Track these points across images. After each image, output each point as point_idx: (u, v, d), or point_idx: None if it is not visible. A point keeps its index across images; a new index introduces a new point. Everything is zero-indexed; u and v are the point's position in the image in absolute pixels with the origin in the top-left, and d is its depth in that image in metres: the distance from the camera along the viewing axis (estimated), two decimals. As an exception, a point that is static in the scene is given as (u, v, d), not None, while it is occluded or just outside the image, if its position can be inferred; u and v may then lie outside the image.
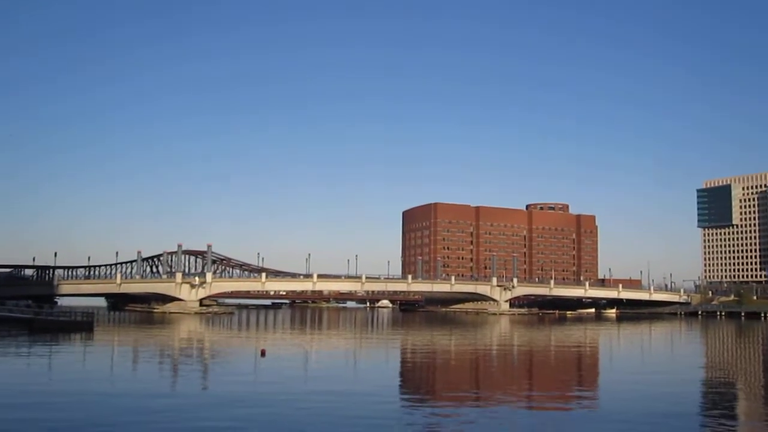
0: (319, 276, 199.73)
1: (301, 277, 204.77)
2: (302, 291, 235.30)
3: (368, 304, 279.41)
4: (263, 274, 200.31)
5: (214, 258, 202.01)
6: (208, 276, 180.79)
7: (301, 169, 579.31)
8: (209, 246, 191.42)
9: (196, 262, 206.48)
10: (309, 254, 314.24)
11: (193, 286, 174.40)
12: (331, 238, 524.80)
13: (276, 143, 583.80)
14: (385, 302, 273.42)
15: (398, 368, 58.21)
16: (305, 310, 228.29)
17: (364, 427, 28.21)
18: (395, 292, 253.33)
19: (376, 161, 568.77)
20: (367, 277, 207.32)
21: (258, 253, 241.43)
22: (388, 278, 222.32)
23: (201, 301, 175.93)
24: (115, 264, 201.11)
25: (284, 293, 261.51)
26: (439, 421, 30.96)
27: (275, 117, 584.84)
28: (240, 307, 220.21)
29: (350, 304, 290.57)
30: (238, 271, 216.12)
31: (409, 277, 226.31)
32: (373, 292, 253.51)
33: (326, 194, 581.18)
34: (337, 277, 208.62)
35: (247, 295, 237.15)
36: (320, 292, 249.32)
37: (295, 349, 73.51)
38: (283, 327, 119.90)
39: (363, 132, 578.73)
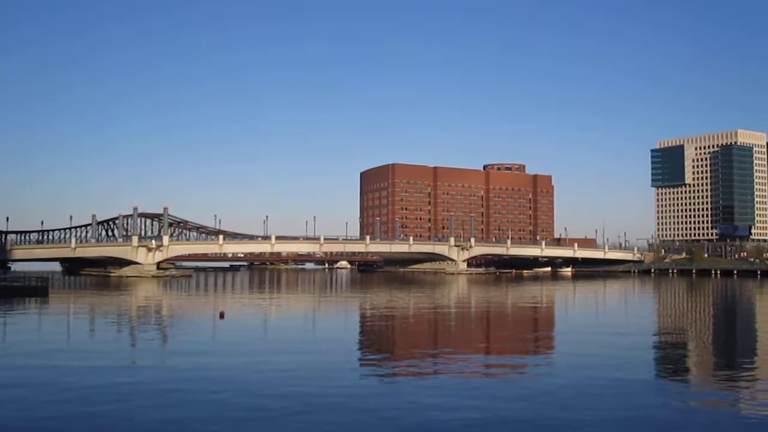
0: (278, 238, 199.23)
1: (259, 239, 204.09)
2: (260, 253, 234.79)
3: (327, 265, 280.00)
4: (221, 237, 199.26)
5: (171, 221, 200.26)
6: (165, 239, 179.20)
7: (259, 132, 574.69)
8: (165, 209, 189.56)
9: (152, 225, 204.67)
10: (267, 216, 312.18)
11: (149, 249, 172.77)
12: (289, 200, 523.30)
13: (233, 105, 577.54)
14: (343, 263, 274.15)
15: (357, 328, 58.60)
16: (264, 272, 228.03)
17: (324, 389, 28.45)
18: (354, 253, 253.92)
19: (334, 123, 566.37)
20: (325, 239, 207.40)
21: (215, 216, 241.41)
22: (346, 239, 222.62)
23: (158, 265, 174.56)
24: (70, 228, 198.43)
25: (242, 255, 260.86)
26: (398, 381, 31.32)
27: (233, 80, 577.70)
28: (198, 269, 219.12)
29: (309, 265, 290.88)
30: (195, 233, 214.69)
31: (368, 237, 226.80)
32: (331, 253, 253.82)
33: (283, 156, 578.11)
34: (295, 238, 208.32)
35: (205, 257, 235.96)
36: (279, 254, 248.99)
37: (255, 311, 73.55)
38: (241, 289, 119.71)
39: (320, 95, 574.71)
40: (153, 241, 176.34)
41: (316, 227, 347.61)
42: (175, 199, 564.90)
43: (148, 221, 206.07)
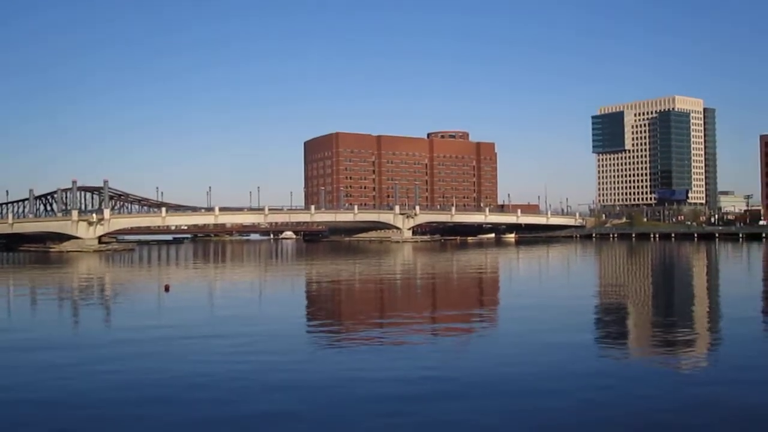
0: (221, 209, 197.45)
1: (203, 210, 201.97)
2: (204, 225, 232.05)
3: (272, 235, 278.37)
4: (163, 209, 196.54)
5: (112, 194, 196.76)
6: (106, 212, 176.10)
7: (200, 102, 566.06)
8: (106, 181, 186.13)
9: (92, 198, 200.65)
10: (210, 187, 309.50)
11: (90, 223, 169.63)
12: (232, 171, 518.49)
13: (173, 74, 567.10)
14: (288, 233, 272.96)
15: (304, 298, 58.67)
16: (208, 244, 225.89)
17: (270, 360, 28.49)
18: (299, 223, 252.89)
19: (277, 92, 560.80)
20: (270, 209, 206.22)
21: (157, 188, 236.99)
22: (291, 209, 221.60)
23: (99, 239, 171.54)
24: (6, 203, 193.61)
25: (186, 228, 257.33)
26: (344, 351, 31.50)
27: (173, 47, 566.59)
28: (141, 243, 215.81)
29: (254, 236, 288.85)
30: (137, 206, 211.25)
31: (312, 207, 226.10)
32: (276, 223, 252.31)
33: (226, 126, 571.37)
34: (239, 209, 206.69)
35: (148, 230, 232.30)
36: (223, 225, 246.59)
37: (200, 283, 73.03)
38: (186, 262, 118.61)
39: (263, 64, 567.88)
40: (94, 215, 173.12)
41: (260, 198, 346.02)
42: (115, 171, 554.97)
43: (88, 195, 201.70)
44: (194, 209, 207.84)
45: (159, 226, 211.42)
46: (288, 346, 31.09)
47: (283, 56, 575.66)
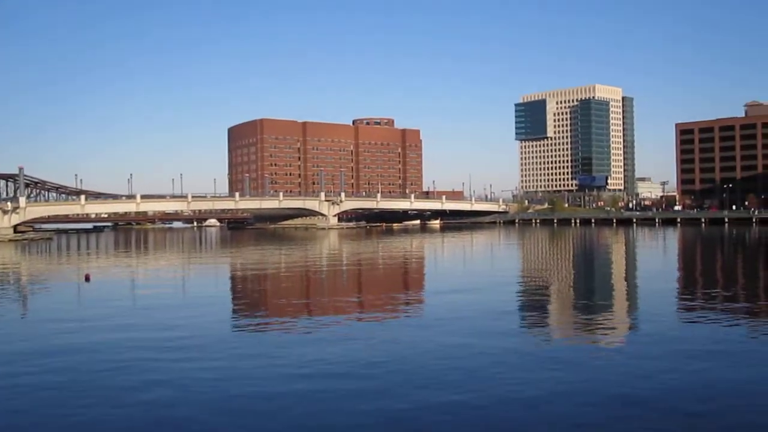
0: (143, 197, 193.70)
1: (124, 198, 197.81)
2: (125, 213, 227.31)
3: (195, 223, 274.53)
4: (82, 197, 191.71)
5: (28, 181, 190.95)
6: (22, 200, 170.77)
7: (120, 87, 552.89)
8: (21, 168, 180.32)
9: (7, 186, 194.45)
10: (131, 174, 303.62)
11: (5, 211, 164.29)
12: (154, 158, 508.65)
13: (94, 56, 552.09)
14: (212, 221, 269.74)
15: (228, 287, 58.07)
16: (129, 232, 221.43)
17: (193, 348, 28.14)
18: (223, 211, 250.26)
19: (199, 78, 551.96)
20: (193, 196, 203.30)
21: (76, 175, 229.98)
22: (215, 197, 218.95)
23: (15, 228, 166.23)
24: None
25: (106, 216, 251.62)
26: (268, 340, 31.31)
27: (95, 38, 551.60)
28: (59, 231, 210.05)
29: (177, 224, 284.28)
30: (54, 194, 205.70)
31: (237, 194, 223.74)
32: (200, 211, 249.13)
33: (148, 113, 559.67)
34: (161, 197, 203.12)
35: (66, 219, 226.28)
36: (145, 213, 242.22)
37: (122, 273, 71.51)
38: (106, 250, 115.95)
39: (186, 51, 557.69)
40: (8, 203, 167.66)
41: (183, 185, 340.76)
42: (30, 159, 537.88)
43: (2, 182, 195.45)
44: (115, 197, 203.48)
45: (78, 215, 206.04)
46: (209, 339, 30.71)
47: (207, 42, 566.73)
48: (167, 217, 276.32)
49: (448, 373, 22.69)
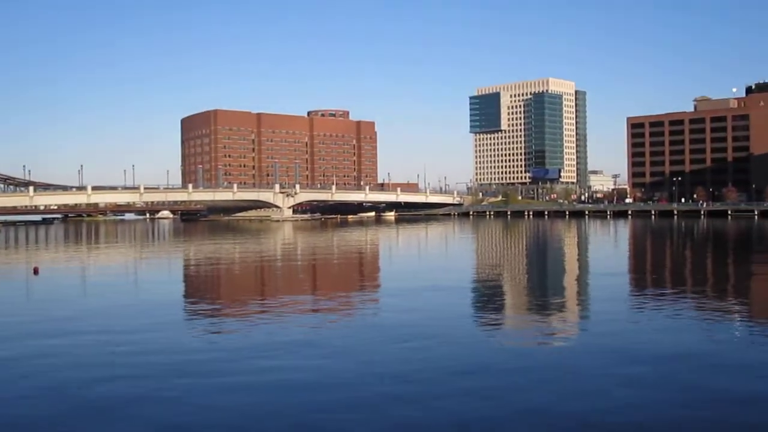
0: (94, 188, 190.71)
1: (74, 189, 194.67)
2: (76, 204, 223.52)
3: (148, 215, 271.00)
4: (31, 188, 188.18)
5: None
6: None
7: (70, 77, 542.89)
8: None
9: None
10: (81, 166, 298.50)
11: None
12: (105, 148, 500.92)
13: (43, 47, 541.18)
14: (165, 213, 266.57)
15: (181, 279, 57.44)
16: (80, 224, 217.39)
17: (145, 342, 27.75)
18: (176, 202, 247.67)
19: (152, 68, 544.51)
20: (145, 188, 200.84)
21: (24, 166, 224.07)
22: (168, 188, 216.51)
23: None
24: None
25: (56, 207, 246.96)
26: (222, 336, 31.03)
27: (44, 19, 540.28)
28: (6, 224, 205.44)
29: (129, 216, 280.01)
30: (2, 185, 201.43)
31: (190, 186, 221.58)
32: (152, 203, 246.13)
33: (99, 103, 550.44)
34: (113, 188, 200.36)
35: (14, 211, 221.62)
36: (96, 205, 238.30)
37: (72, 265, 70.27)
38: (56, 243, 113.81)
39: (139, 40, 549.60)
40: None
41: (135, 176, 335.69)
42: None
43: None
44: (65, 188, 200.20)
45: (26, 206, 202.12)
46: (161, 332, 30.32)
47: (159, 31, 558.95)
48: (119, 209, 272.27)
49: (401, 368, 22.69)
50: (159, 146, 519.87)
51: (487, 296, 42.10)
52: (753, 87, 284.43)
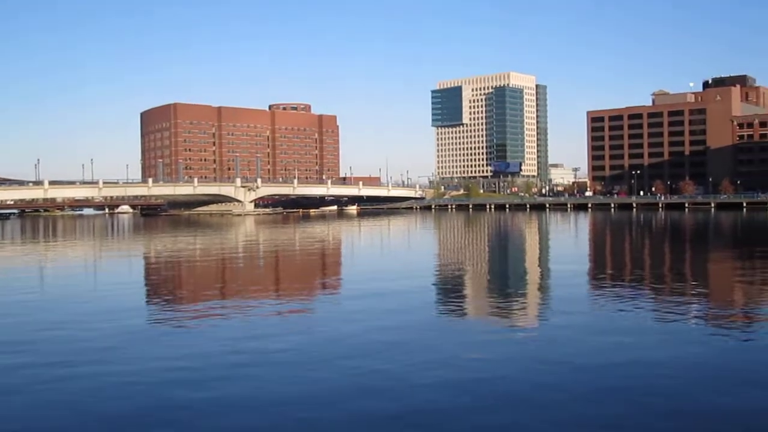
0: (51, 183, 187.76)
1: (31, 184, 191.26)
2: (33, 200, 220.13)
3: (107, 210, 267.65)
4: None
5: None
6: None
7: (27, 68, 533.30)
8: None
9: None
10: (38, 160, 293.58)
11: None
12: (62, 142, 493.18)
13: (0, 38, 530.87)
14: (125, 208, 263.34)
15: (142, 275, 56.76)
16: (37, 219, 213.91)
17: (104, 338, 27.33)
18: (136, 197, 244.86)
19: (111, 60, 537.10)
20: (104, 183, 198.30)
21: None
22: (127, 183, 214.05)
23: None
24: None
25: (12, 203, 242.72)
26: (183, 330, 30.69)
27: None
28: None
29: (87, 211, 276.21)
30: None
31: (150, 180, 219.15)
32: (112, 197, 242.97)
33: (56, 95, 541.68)
34: (71, 183, 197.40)
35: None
36: (53, 199, 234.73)
37: (28, 261, 69.04)
38: (12, 238, 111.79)
39: (97, 30, 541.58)
40: None
41: (94, 171, 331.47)
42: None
43: None
44: (21, 183, 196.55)
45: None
46: (120, 331, 29.90)
47: (118, 23, 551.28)
48: (77, 204, 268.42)
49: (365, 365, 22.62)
50: (118, 140, 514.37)
51: (448, 290, 42.15)
52: (710, 82, 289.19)
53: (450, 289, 42.05)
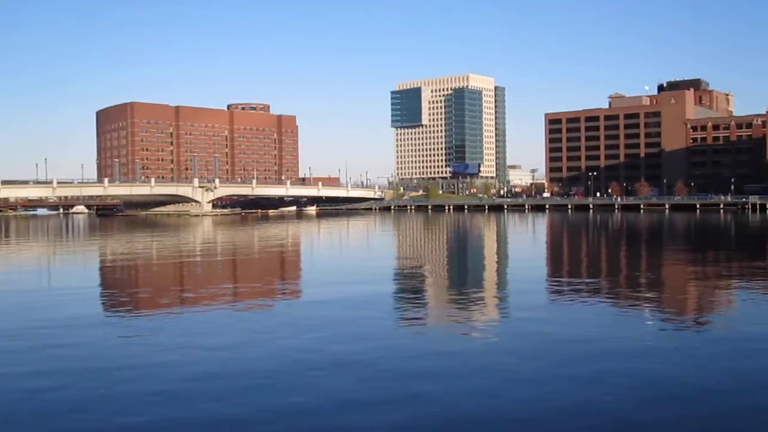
0: (4, 182, 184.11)
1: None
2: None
3: (62, 210, 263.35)
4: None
5: None
6: None
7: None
8: None
9: None
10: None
11: None
12: (15, 141, 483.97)
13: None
14: (80, 208, 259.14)
15: (97, 277, 55.94)
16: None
17: (60, 343, 26.87)
18: (91, 197, 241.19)
19: (67, 57, 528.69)
20: (59, 182, 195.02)
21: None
22: (82, 182, 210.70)
23: None
24: None
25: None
26: (137, 332, 30.29)
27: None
28: None
29: (41, 211, 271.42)
30: None
31: (106, 180, 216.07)
32: (66, 197, 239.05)
33: (7, 94, 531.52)
34: (24, 182, 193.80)
35: None
36: (6, 199, 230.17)
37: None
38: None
39: (50, 24, 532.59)
40: None
41: (48, 170, 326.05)
42: None
43: None
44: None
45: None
46: (79, 333, 29.41)
47: (74, 20, 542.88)
48: (31, 204, 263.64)
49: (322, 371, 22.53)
50: (73, 139, 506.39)
51: (405, 292, 42.16)
52: (665, 85, 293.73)
53: (408, 296, 42.00)
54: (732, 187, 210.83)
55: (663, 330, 27.42)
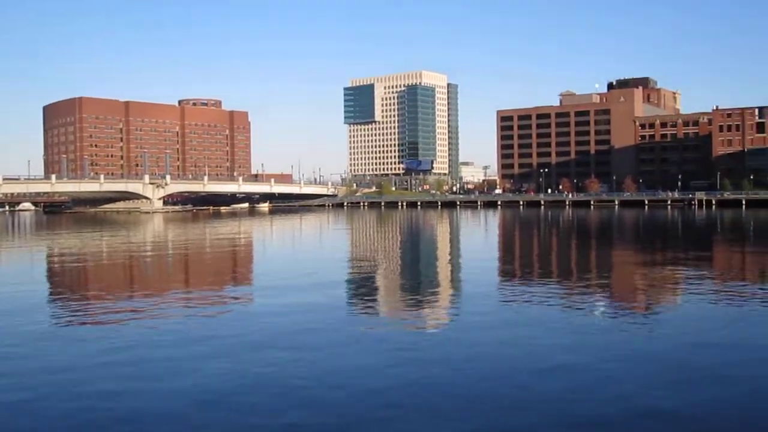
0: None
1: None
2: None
3: (7, 207, 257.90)
4: None
5: None
6: None
7: None
8: None
9: None
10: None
11: None
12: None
13: None
14: (26, 205, 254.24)
15: (43, 276, 54.79)
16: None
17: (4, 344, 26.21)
18: (38, 194, 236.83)
19: (12, 50, 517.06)
20: (4, 179, 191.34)
21: None
22: (29, 179, 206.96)
23: None
24: None
25: None
26: (87, 333, 29.70)
27: None
28: None
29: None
30: None
31: (53, 177, 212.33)
32: (12, 194, 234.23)
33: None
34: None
35: None
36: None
37: None
38: None
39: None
40: None
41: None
42: None
43: None
44: None
45: None
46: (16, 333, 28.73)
47: (18, 12, 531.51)
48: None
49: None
50: (19, 135, 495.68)
51: (359, 289, 42.06)
52: (614, 83, 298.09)
53: (361, 292, 41.90)
54: (679, 183, 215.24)
55: (605, 327, 27.69)
